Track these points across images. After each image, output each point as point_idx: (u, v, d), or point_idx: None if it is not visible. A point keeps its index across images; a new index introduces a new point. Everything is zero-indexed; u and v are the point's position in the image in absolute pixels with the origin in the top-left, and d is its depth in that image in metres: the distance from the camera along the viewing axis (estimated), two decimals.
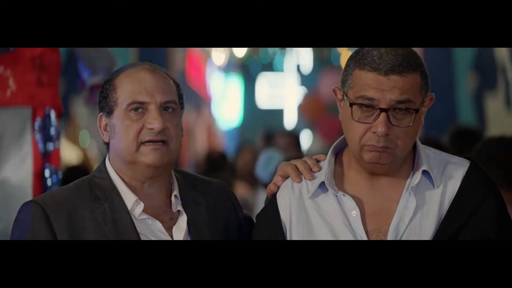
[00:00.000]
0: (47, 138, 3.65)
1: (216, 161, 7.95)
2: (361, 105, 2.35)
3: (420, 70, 2.37)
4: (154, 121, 2.47)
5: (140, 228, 2.47)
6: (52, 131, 3.66)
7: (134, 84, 2.50)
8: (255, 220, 2.56)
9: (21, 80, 3.60)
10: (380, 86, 2.33)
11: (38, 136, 3.62)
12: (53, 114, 3.68)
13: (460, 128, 6.86)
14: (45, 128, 3.65)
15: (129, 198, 2.50)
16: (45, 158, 3.63)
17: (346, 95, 2.39)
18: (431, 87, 2.44)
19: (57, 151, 3.69)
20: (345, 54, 12.22)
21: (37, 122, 3.63)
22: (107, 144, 2.57)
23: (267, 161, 5.77)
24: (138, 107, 2.48)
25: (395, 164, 2.41)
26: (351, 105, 2.36)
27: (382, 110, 2.33)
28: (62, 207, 2.45)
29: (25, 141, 3.61)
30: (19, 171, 3.58)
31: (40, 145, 3.62)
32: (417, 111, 2.36)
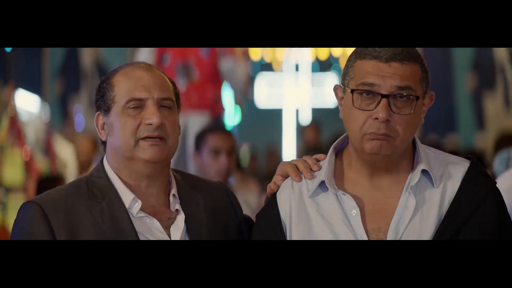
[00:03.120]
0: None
1: None
2: (362, 92, 2.36)
3: (420, 62, 2.39)
4: (152, 116, 2.47)
5: (138, 226, 2.48)
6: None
7: (131, 81, 2.51)
8: (255, 220, 2.56)
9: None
10: (380, 72, 2.34)
11: None
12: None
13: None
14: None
15: (126, 196, 2.50)
16: None
17: (347, 87, 2.40)
18: (431, 86, 2.45)
19: None
20: (343, 59, 12.23)
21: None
22: (104, 143, 2.58)
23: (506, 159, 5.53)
24: (136, 104, 2.49)
25: (395, 157, 2.41)
26: (352, 91, 2.37)
27: (383, 96, 2.34)
28: (60, 206, 2.46)
29: None
30: None
31: None
32: (417, 98, 2.37)
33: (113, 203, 2.49)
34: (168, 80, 2.57)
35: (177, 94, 2.59)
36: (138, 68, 2.54)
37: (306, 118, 15.06)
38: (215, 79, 6.10)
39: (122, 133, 2.49)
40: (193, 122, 5.98)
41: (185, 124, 5.99)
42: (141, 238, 2.47)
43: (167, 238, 2.50)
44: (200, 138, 4.84)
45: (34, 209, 2.45)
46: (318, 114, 13.95)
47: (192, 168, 5.74)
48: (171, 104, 2.53)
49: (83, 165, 8.17)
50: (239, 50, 6.22)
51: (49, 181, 6.45)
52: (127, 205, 2.49)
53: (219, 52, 6.08)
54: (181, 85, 6.03)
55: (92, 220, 2.45)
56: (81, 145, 8.37)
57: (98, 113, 2.56)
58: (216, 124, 5.06)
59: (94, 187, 2.52)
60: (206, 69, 6.08)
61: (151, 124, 2.47)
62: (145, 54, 6.03)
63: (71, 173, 8.01)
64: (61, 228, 2.43)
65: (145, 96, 2.49)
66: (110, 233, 2.44)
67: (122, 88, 2.51)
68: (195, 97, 6.09)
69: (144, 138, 2.48)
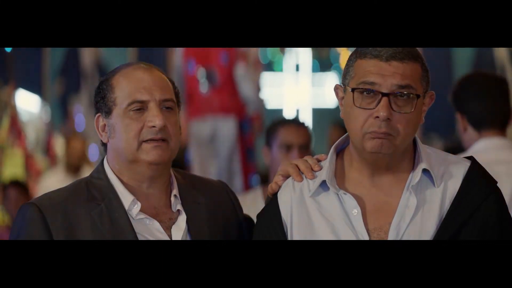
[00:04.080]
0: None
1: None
2: (362, 91, 2.36)
3: (421, 62, 2.40)
4: (155, 119, 2.47)
5: (138, 228, 2.47)
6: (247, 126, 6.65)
7: (132, 83, 2.50)
8: (256, 220, 2.56)
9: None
10: (381, 71, 2.35)
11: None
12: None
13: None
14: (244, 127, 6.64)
15: (126, 198, 2.50)
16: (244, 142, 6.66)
17: (348, 86, 2.40)
18: (431, 86, 2.45)
19: (251, 136, 6.72)
20: (344, 53, 12.21)
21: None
22: (105, 145, 2.57)
23: None
24: (138, 106, 2.48)
25: (395, 156, 2.41)
26: (353, 90, 2.37)
27: (383, 94, 2.34)
28: (59, 208, 2.45)
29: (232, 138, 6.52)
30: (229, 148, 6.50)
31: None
32: (418, 96, 2.37)
33: (113, 205, 2.48)
34: (168, 80, 2.57)
35: (177, 93, 2.58)
36: (138, 69, 2.53)
37: (307, 118, 15.08)
38: (233, 86, 6.61)
39: (125, 135, 2.49)
40: (222, 126, 6.54)
41: (214, 128, 6.55)
42: (141, 239, 2.46)
43: (167, 239, 2.49)
44: (270, 132, 4.38)
45: (33, 211, 2.44)
46: (319, 114, 13.94)
47: (220, 171, 6.45)
48: (172, 105, 2.53)
49: (70, 169, 7.75)
50: (251, 57, 6.70)
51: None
52: (126, 207, 2.49)
53: (235, 59, 6.60)
54: (205, 90, 6.56)
55: (91, 222, 2.45)
56: (71, 146, 7.96)
57: (98, 114, 2.55)
58: (289, 117, 4.83)
59: (94, 189, 2.51)
60: (226, 76, 6.57)
61: (154, 127, 2.47)
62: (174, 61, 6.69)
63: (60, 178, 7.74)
64: (60, 230, 2.42)
65: (147, 98, 2.49)
66: (109, 235, 2.43)
67: (123, 90, 2.50)
68: (217, 101, 6.57)
69: (147, 141, 2.48)
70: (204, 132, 6.56)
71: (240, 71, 6.50)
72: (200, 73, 6.56)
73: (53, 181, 7.00)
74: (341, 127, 8.47)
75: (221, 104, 6.57)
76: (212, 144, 6.60)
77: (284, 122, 4.43)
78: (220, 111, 6.58)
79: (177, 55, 6.74)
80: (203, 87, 6.55)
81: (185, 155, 6.97)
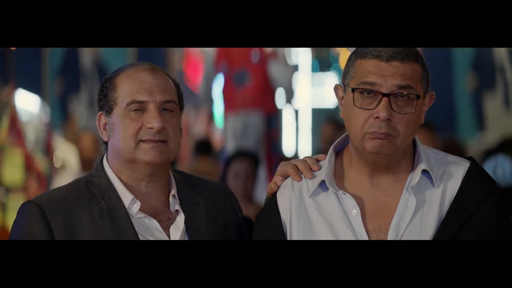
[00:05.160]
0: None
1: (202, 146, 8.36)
2: (362, 91, 2.36)
3: (421, 62, 2.40)
4: (153, 120, 2.47)
5: (137, 227, 2.47)
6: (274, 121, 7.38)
7: (134, 83, 2.51)
8: (255, 220, 2.56)
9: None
10: (381, 71, 2.35)
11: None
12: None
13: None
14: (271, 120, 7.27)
15: (125, 196, 2.50)
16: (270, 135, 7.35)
17: (348, 86, 2.40)
18: (431, 86, 2.45)
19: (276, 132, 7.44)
20: (344, 54, 12.22)
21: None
22: (106, 144, 2.58)
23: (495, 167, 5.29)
24: (138, 107, 2.49)
25: (395, 156, 2.41)
26: (353, 90, 2.37)
27: (383, 95, 2.34)
28: (59, 206, 2.46)
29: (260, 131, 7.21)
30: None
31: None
32: (418, 97, 2.37)
33: (113, 203, 2.49)
34: (171, 82, 2.57)
35: (180, 96, 2.58)
36: (142, 70, 2.54)
37: (306, 118, 15.08)
38: (267, 84, 7.29)
39: (123, 135, 2.49)
40: (252, 122, 7.22)
41: (245, 124, 7.20)
42: (141, 238, 2.46)
43: (166, 239, 2.49)
44: None
45: (34, 209, 2.45)
46: (318, 114, 13.93)
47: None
48: (173, 107, 2.53)
49: (84, 163, 8.40)
50: (281, 54, 7.46)
51: None
52: (126, 205, 2.49)
53: (267, 58, 7.27)
54: (238, 90, 7.26)
55: (91, 220, 2.45)
56: (82, 143, 8.52)
57: (100, 113, 2.56)
58: None
59: (93, 187, 2.52)
60: (259, 75, 7.25)
61: (152, 128, 2.47)
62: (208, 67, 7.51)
63: (70, 173, 8.01)
64: (60, 228, 2.43)
65: (146, 99, 2.49)
66: (109, 233, 2.44)
67: (125, 89, 2.50)
68: (249, 99, 7.27)
69: (145, 141, 2.48)
70: (238, 126, 7.23)
71: (275, 70, 7.24)
72: (234, 74, 7.20)
73: (68, 179, 7.09)
74: (334, 124, 8.48)
75: (253, 101, 7.23)
76: (244, 136, 7.23)
77: None
78: (251, 106, 7.24)
79: (209, 58, 7.41)
80: (236, 86, 7.20)
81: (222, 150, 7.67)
